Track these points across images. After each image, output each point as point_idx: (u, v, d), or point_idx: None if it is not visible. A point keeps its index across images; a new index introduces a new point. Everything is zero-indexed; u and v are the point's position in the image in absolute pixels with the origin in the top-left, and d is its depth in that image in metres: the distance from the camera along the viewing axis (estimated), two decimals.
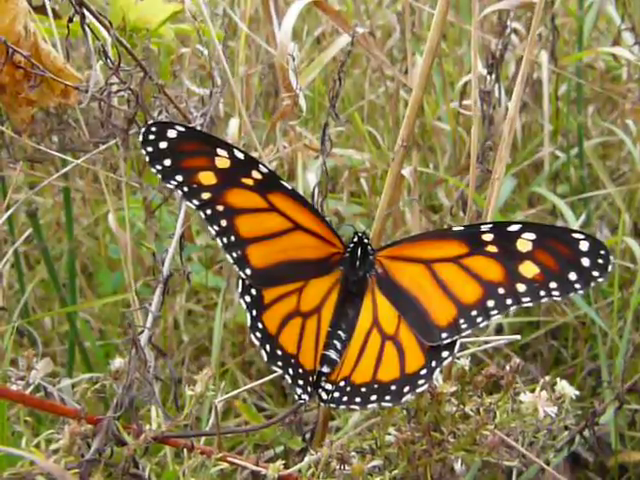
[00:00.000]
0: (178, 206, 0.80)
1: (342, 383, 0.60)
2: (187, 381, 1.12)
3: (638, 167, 1.28)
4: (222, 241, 0.61)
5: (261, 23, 1.37)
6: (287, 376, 0.60)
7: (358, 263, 0.63)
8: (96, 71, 0.74)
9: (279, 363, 0.60)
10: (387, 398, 0.59)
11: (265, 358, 0.60)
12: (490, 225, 0.61)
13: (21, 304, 1.07)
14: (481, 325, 0.60)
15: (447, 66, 1.43)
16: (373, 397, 0.59)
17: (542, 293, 0.58)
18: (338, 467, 0.58)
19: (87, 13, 0.71)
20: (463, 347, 0.67)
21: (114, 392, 0.60)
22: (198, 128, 0.78)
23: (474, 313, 0.59)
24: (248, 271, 0.61)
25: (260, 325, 0.60)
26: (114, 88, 0.74)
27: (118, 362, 0.60)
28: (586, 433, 0.81)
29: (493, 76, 1.02)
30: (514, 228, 0.60)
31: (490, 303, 0.59)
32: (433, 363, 0.59)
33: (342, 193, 1.28)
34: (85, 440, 0.54)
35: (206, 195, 0.60)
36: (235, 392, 0.71)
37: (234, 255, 0.61)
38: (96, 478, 0.52)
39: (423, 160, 1.37)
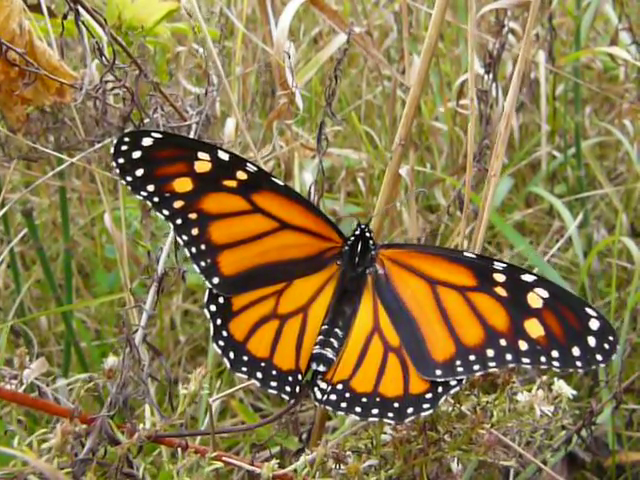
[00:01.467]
0: None
1: (340, 386, 0.59)
2: (183, 381, 1.11)
3: (635, 167, 1.28)
4: (191, 251, 0.59)
5: (258, 23, 1.37)
6: (255, 380, 0.59)
7: (358, 258, 0.62)
8: (91, 69, 0.74)
9: (244, 369, 0.59)
10: (389, 415, 0.57)
11: (228, 365, 0.59)
12: (504, 265, 0.58)
13: (17, 304, 1.07)
14: (477, 374, 0.57)
15: (444, 66, 1.43)
16: (375, 410, 0.57)
17: (543, 359, 0.56)
18: (334, 467, 0.57)
19: (82, 11, 0.70)
20: None
21: (109, 392, 0.60)
22: (194, 127, 0.78)
23: (472, 358, 0.57)
24: (216, 280, 0.60)
25: (225, 333, 0.60)
26: (109, 86, 0.73)
27: (111, 360, 0.59)
28: (583, 433, 0.81)
29: (490, 75, 1.02)
30: (528, 278, 0.57)
31: (490, 352, 0.57)
32: (439, 389, 0.57)
33: (339, 193, 1.27)
34: (79, 439, 0.54)
35: (178, 203, 0.59)
36: (230, 391, 0.70)
37: (202, 264, 0.60)
38: (89, 478, 0.52)
39: (420, 160, 1.36)
